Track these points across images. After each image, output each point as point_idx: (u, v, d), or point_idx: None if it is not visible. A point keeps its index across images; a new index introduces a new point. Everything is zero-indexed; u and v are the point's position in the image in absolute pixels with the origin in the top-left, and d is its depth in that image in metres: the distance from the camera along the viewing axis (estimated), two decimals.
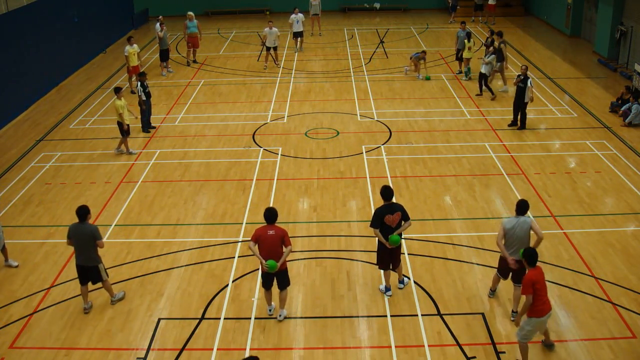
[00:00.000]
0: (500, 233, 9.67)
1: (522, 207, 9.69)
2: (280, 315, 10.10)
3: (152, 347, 9.57)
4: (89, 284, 10.36)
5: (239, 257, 11.81)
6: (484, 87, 20.19)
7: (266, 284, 10.04)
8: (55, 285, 11.16)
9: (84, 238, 9.98)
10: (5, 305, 10.67)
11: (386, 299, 10.49)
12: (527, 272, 8.62)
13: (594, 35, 25.88)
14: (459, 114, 18.88)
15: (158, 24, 23.27)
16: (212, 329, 9.95)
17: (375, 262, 10.72)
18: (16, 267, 11.76)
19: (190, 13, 24.70)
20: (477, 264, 11.42)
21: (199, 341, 9.69)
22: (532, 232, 9.57)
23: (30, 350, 9.59)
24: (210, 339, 9.73)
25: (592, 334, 9.62)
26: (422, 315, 10.12)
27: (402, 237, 10.38)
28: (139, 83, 17.78)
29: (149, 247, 12.32)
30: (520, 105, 17.41)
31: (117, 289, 11.00)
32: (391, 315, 10.12)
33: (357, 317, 10.13)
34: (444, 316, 10.08)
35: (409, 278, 11.03)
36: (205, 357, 9.37)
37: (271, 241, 9.63)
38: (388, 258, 10.35)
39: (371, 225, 10.19)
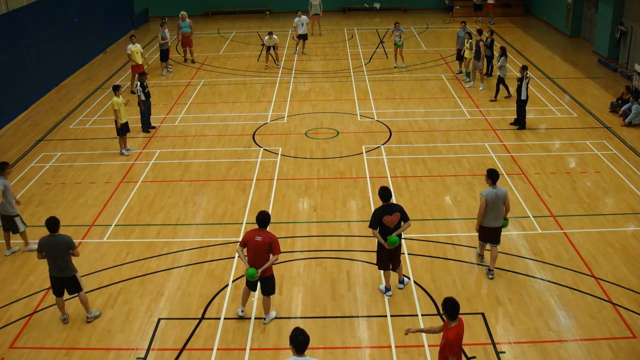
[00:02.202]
0: (481, 206, 10.58)
1: (495, 176, 10.66)
2: (265, 319, 10.03)
3: (152, 347, 9.57)
4: (64, 295, 10.16)
5: (239, 257, 11.80)
6: (501, 86, 19.97)
7: (249, 284, 9.95)
8: None
9: (59, 249, 9.77)
10: (5, 305, 10.68)
11: (386, 299, 10.49)
12: (449, 329, 7.69)
13: (594, 35, 25.86)
14: (459, 114, 18.88)
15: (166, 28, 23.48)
16: (212, 329, 9.95)
17: (375, 262, 10.73)
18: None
19: (183, 13, 24.80)
20: (477, 264, 11.42)
21: (199, 341, 9.69)
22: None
23: (30, 350, 9.59)
24: (210, 339, 9.73)
25: (592, 334, 9.62)
26: (422, 315, 10.12)
27: (402, 237, 10.38)
28: (139, 83, 17.80)
29: (149, 247, 12.32)
30: (517, 105, 17.46)
31: (117, 289, 11.01)
32: (391, 315, 10.12)
33: (357, 317, 10.13)
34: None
35: (408, 278, 11.03)
36: (205, 357, 9.37)
37: (257, 247, 9.51)
38: (388, 258, 10.35)
39: (370, 226, 10.20)
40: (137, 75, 19.74)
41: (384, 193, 10.13)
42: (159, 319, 10.21)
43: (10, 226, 12.13)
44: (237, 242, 12.30)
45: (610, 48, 23.94)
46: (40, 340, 9.81)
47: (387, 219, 10.05)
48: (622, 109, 18.24)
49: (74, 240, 10.05)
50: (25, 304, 10.69)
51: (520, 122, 17.59)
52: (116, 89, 16.36)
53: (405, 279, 10.94)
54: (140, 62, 21.19)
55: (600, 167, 15.25)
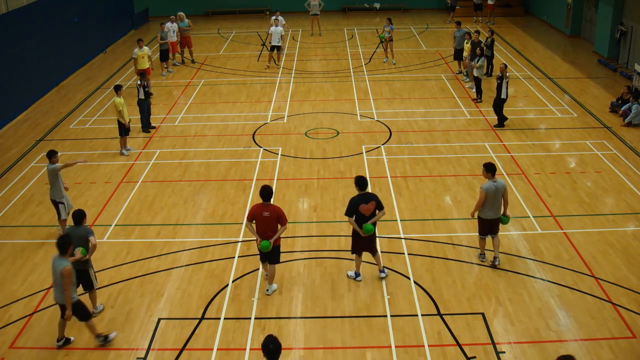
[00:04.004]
0: (481, 199, 10.88)
1: (493, 169, 11.06)
2: (268, 290, 10.64)
3: (152, 347, 9.57)
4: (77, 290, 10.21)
5: (239, 257, 11.82)
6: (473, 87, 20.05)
7: (263, 258, 10.72)
8: None
9: (79, 240, 9.85)
10: (5, 305, 10.68)
11: (386, 299, 10.49)
12: None
13: (594, 35, 25.86)
14: (459, 114, 18.88)
15: (166, 24, 23.46)
16: (212, 329, 9.96)
17: (374, 262, 10.75)
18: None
19: (181, 13, 24.76)
20: (477, 264, 11.42)
21: (199, 341, 9.69)
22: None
23: (30, 350, 9.59)
24: (210, 339, 9.73)
25: (592, 334, 9.62)
26: (422, 315, 10.12)
27: (376, 225, 10.67)
28: (140, 82, 17.79)
29: (149, 247, 12.32)
30: (496, 103, 17.46)
31: (117, 289, 11.01)
32: (391, 315, 10.13)
33: (357, 317, 10.13)
34: (444, 316, 10.08)
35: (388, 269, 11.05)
36: (205, 357, 9.37)
37: (266, 222, 10.17)
38: (362, 245, 10.71)
39: (346, 214, 10.53)
40: (139, 75, 19.74)
41: (361, 182, 10.50)
42: (159, 319, 10.21)
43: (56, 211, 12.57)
44: (237, 242, 12.33)
45: (610, 48, 23.94)
46: (40, 340, 9.81)
47: (364, 207, 10.37)
48: (622, 109, 18.24)
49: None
50: (25, 304, 10.69)
51: (499, 121, 17.60)
52: (118, 89, 16.34)
53: (386, 269, 11.10)
54: (147, 67, 21.09)
55: (600, 167, 15.25)
